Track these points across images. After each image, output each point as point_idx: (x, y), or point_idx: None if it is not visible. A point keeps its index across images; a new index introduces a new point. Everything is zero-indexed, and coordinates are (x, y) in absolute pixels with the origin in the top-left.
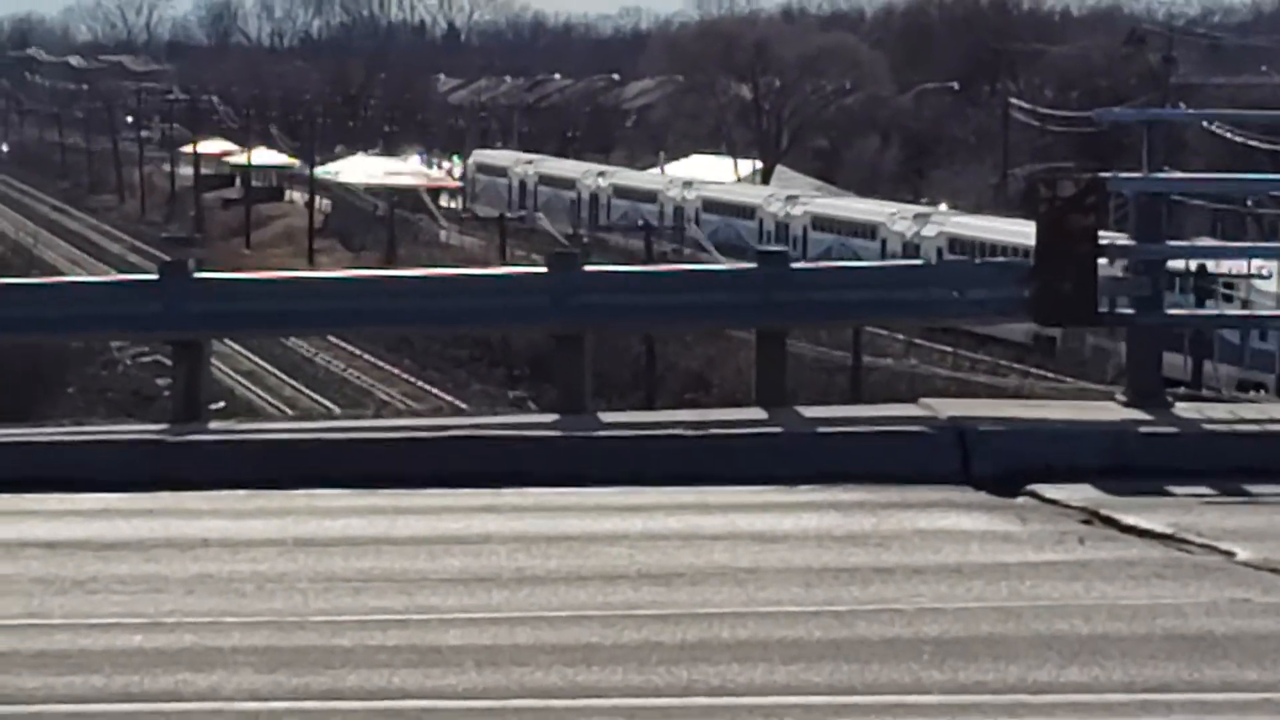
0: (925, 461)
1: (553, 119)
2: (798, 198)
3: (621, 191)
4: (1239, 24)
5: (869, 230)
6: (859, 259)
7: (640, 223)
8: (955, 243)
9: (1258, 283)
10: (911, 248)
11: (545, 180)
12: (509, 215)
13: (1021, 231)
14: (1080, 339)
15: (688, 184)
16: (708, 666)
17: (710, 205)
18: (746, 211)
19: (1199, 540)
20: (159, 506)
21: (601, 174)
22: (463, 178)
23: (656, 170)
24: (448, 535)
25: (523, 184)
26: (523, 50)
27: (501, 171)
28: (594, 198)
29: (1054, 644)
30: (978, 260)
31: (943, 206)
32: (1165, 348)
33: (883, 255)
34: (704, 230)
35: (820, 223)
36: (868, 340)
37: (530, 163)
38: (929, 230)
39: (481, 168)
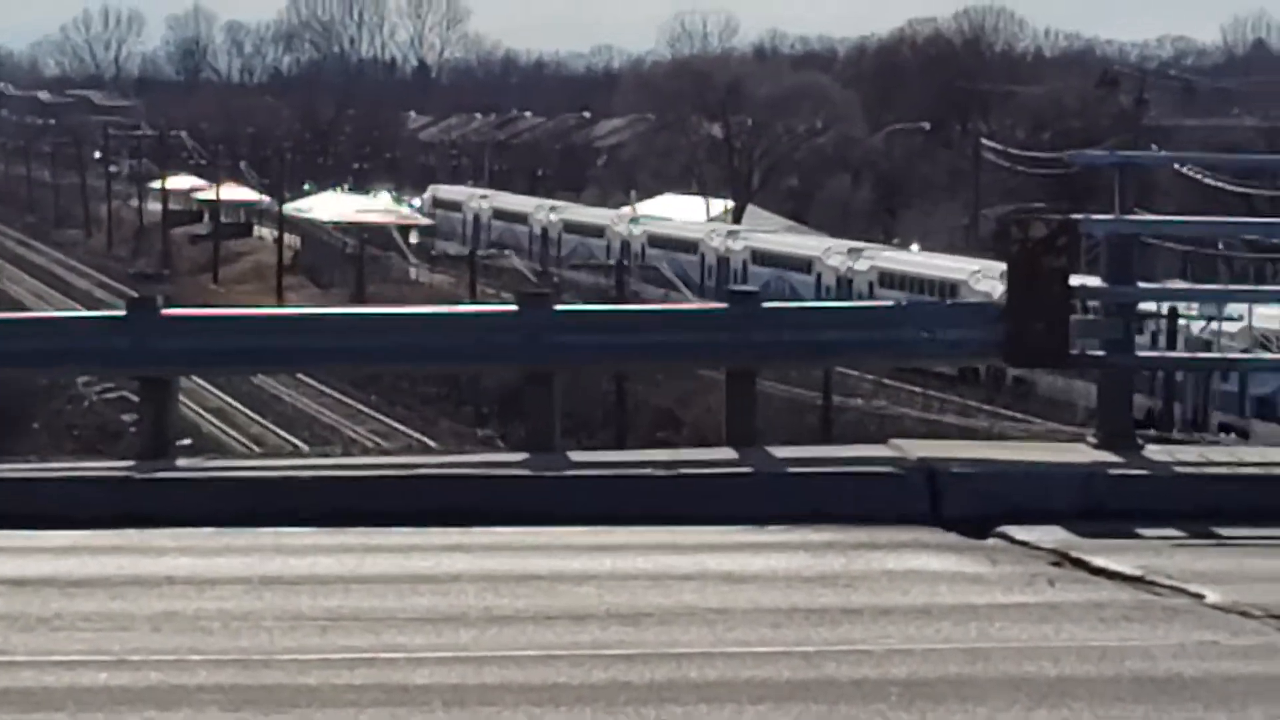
0: (895, 502)
1: (524, 157)
2: (738, 233)
3: (572, 227)
4: (1212, 66)
5: (805, 265)
6: (796, 292)
7: (593, 259)
8: (886, 277)
9: (1227, 325)
10: (845, 282)
11: (499, 215)
12: (480, 252)
13: (948, 266)
14: (1002, 370)
15: (634, 220)
16: (675, 707)
17: (655, 240)
18: (689, 246)
19: (1168, 583)
20: (125, 544)
21: (553, 209)
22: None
23: (627, 209)
24: (416, 574)
25: (477, 218)
26: (493, 88)
27: (457, 206)
28: (545, 233)
29: (1022, 685)
30: (948, 301)
31: (914, 247)
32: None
33: (818, 288)
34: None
35: (759, 257)
36: (838, 380)
37: (485, 197)
38: (861, 265)
39: (438, 203)
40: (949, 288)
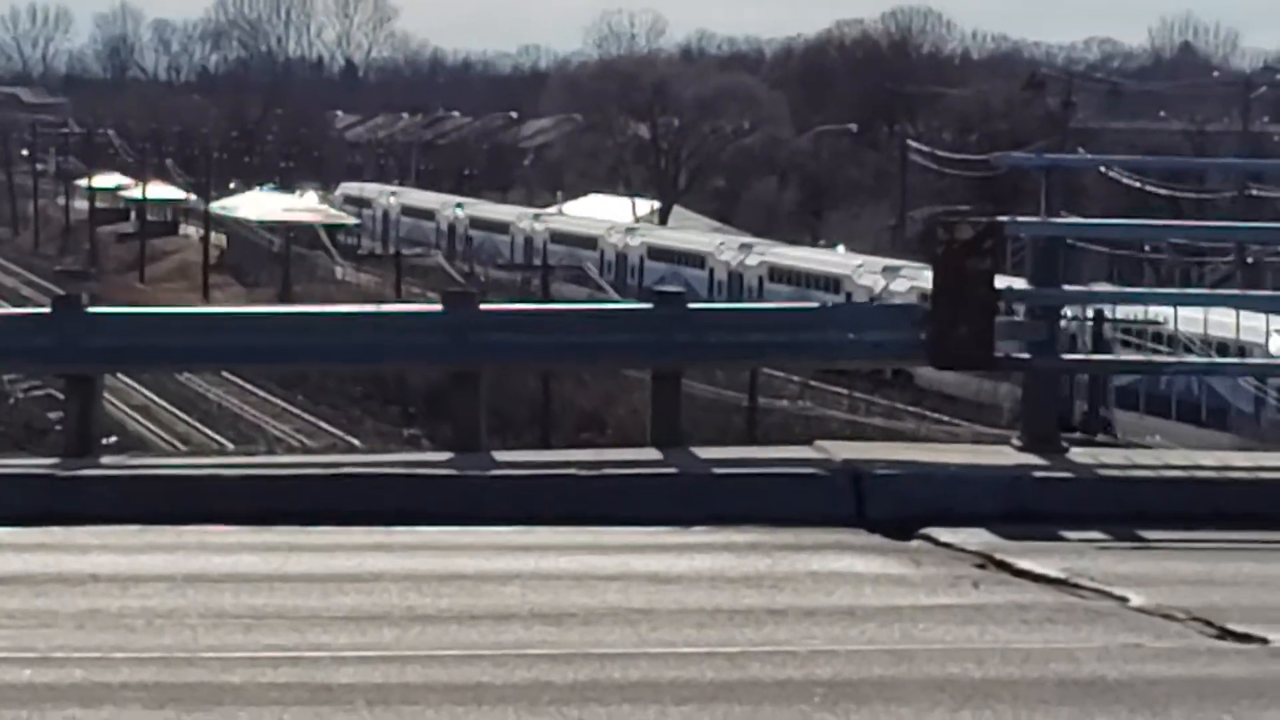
0: (820, 504)
1: (451, 157)
2: (636, 230)
3: (478, 223)
4: (1138, 69)
5: (698, 260)
6: (690, 286)
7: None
8: (775, 271)
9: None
10: (736, 276)
11: (407, 211)
12: (405, 251)
13: (833, 261)
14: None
15: (536, 216)
16: (599, 707)
17: (556, 237)
18: (589, 243)
19: (1092, 585)
20: (50, 541)
21: (459, 205)
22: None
23: (554, 209)
24: (340, 573)
25: (386, 215)
26: (421, 87)
27: (367, 203)
28: (452, 229)
29: (946, 687)
30: (874, 303)
31: (840, 249)
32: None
33: (710, 283)
34: (551, 261)
35: (655, 253)
36: (763, 382)
37: (394, 194)
38: (751, 260)
39: (349, 199)
40: (833, 282)
